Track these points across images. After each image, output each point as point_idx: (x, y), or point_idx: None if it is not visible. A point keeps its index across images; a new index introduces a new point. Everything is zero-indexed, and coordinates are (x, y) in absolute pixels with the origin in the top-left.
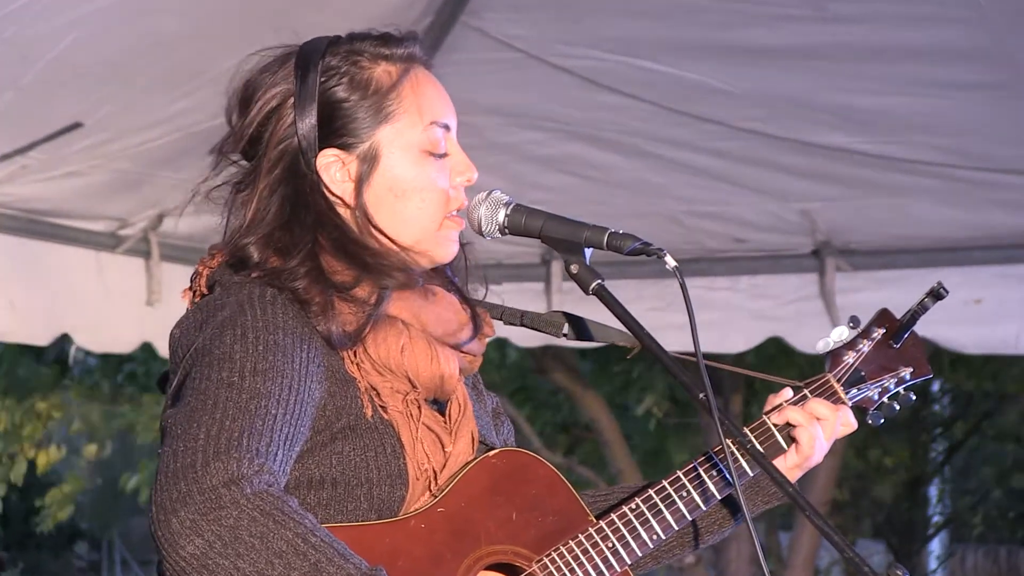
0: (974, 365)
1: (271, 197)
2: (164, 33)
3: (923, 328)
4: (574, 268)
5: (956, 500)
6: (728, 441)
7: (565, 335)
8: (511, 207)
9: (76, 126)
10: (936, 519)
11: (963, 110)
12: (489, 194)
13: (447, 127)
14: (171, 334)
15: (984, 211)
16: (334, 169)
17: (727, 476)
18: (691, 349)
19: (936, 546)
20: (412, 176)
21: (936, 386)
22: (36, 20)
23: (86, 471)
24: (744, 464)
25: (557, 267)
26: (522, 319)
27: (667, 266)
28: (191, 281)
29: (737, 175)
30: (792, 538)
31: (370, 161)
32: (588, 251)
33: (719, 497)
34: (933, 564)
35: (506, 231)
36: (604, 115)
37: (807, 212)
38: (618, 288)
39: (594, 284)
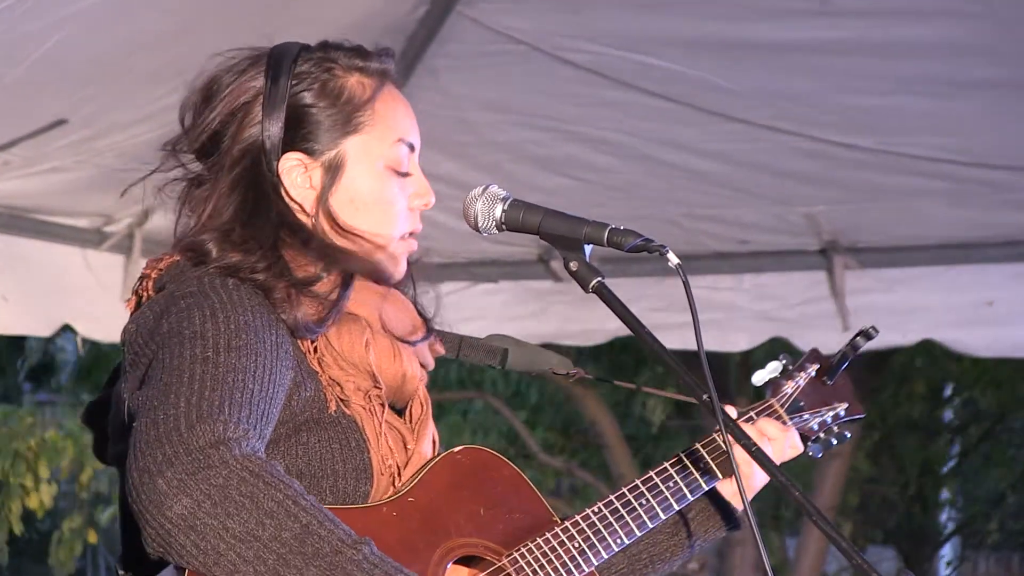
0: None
1: (230, 195)
2: (150, 31)
3: (933, 330)
4: (573, 265)
5: (968, 505)
6: (717, 434)
7: (503, 365)
8: (508, 202)
9: (60, 123)
10: (948, 525)
11: (972, 108)
12: (486, 189)
13: (412, 147)
14: (125, 330)
15: (996, 211)
16: (296, 173)
17: (684, 486)
18: (692, 349)
19: (948, 553)
20: (374, 190)
21: (948, 390)
22: (22, 20)
23: (87, 501)
24: (698, 477)
25: (557, 265)
26: (459, 349)
27: (669, 263)
28: (135, 287)
29: (739, 179)
30: (799, 544)
31: (334, 170)
32: (588, 248)
33: (676, 508)
34: (944, 571)
35: (503, 227)
36: (603, 112)
37: (811, 215)
38: (618, 287)
39: (594, 282)
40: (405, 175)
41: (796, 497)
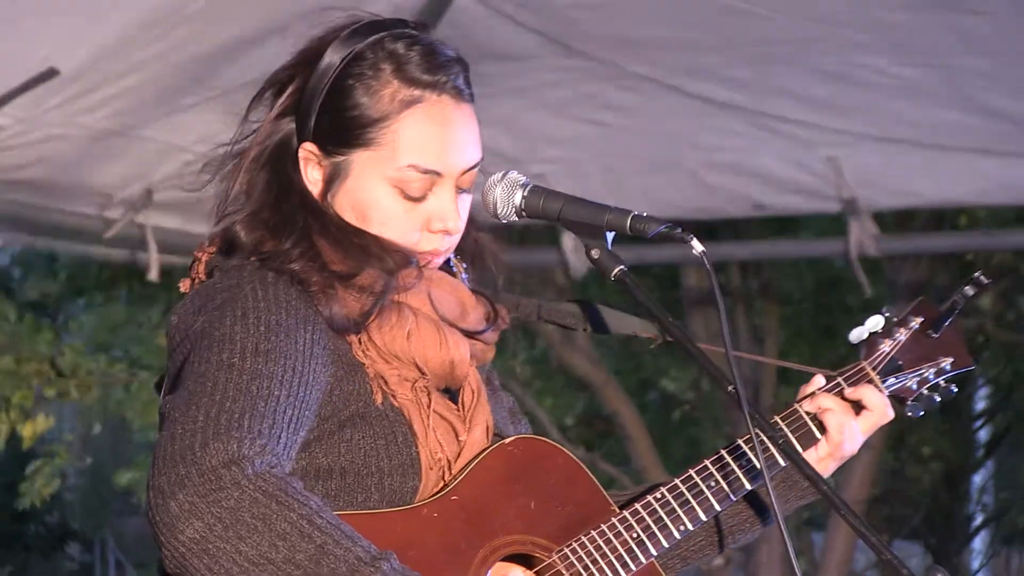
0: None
1: (259, 171)
2: None
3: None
4: (595, 253)
5: (999, 496)
6: (756, 431)
7: (585, 328)
8: (528, 188)
9: (52, 73)
10: (978, 517)
11: (1009, 26)
12: (505, 175)
13: (437, 174)
14: (168, 321)
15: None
16: (310, 164)
17: (757, 466)
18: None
19: (979, 546)
20: (374, 206)
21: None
22: None
23: (76, 447)
24: (776, 454)
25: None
26: (539, 312)
27: (694, 251)
28: (189, 270)
29: (761, 115)
30: (826, 539)
31: (340, 175)
32: (610, 235)
33: (748, 487)
34: (976, 565)
35: (523, 214)
36: (622, 48)
37: (833, 159)
38: None
39: (617, 270)
40: (416, 199)
41: (825, 491)
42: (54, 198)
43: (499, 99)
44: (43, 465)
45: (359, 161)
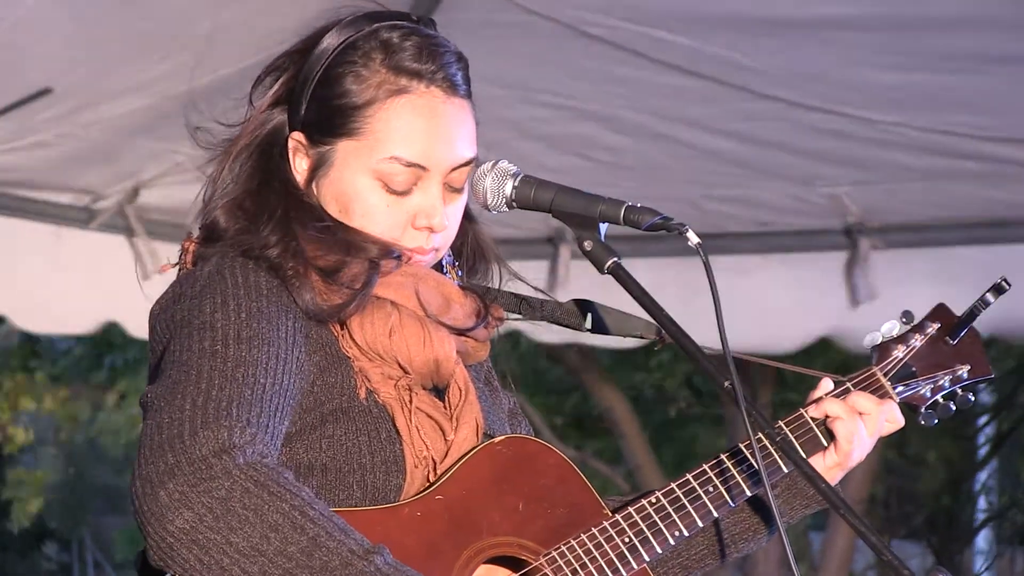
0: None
1: (247, 160)
2: None
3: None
4: (588, 245)
5: (1003, 496)
6: (760, 435)
7: (589, 328)
8: (519, 178)
9: (45, 92)
10: (981, 517)
11: (998, 84)
12: (495, 164)
13: (422, 168)
14: (150, 311)
15: None
16: (298, 155)
17: (757, 471)
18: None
19: (983, 546)
20: (356, 198)
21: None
22: None
23: (57, 459)
24: (777, 459)
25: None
26: (542, 311)
27: (689, 242)
28: (178, 259)
29: (759, 159)
30: (825, 539)
31: (324, 165)
32: (603, 226)
33: (748, 493)
34: (978, 566)
35: (514, 204)
36: (616, 89)
37: (836, 196)
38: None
39: (609, 262)
40: (401, 193)
41: (823, 490)
42: (37, 191)
43: (489, 125)
44: (29, 493)
45: (343, 151)
